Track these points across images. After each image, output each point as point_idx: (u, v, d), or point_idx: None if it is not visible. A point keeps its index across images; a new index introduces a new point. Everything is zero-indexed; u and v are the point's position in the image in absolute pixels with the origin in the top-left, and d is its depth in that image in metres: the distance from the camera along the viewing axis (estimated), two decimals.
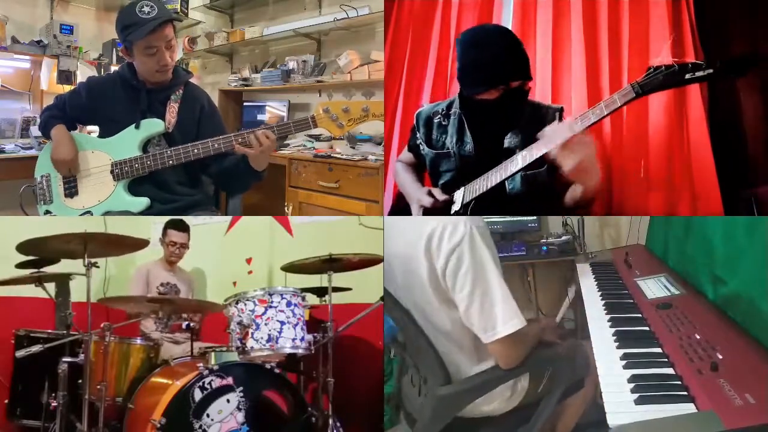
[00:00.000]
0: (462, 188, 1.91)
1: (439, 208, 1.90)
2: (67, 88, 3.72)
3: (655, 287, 1.95)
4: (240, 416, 2.00)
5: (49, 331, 2.38)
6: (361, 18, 3.45)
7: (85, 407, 1.99)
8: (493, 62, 1.77)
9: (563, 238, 3.07)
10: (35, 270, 2.33)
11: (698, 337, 1.45)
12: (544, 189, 1.86)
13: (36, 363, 2.19)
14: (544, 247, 3.07)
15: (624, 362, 1.40)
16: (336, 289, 2.33)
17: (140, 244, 2.22)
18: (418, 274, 1.56)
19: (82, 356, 2.06)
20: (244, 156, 2.05)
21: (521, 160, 1.75)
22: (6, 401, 2.33)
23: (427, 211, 1.92)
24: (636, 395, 1.22)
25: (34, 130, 3.66)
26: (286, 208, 3.33)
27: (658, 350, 1.45)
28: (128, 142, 2.14)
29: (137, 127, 2.14)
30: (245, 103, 4.48)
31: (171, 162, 2.09)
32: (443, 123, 1.99)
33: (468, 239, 1.49)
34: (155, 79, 2.15)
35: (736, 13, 2.08)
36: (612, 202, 2.12)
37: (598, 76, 2.23)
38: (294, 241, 3.01)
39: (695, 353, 1.36)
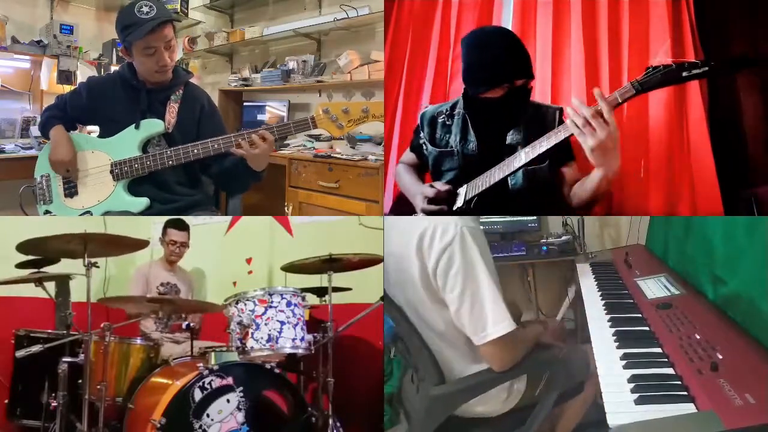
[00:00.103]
0: (465, 185, 1.93)
1: (443, 199, 1.91)
2: (67, 88, 3.73)
3: (655, 287, 1.95)
4: (240, 416, 2.00)
5: (49, 331, 2.38)
6: (361, 18, 3.45)
7: (85, 407, 1.99)
8: (497, 61, 1.82)
9: (563, 238, 3.07)
10: (35, 270, 2.33)
11: (698, 337, 1.45)
12: (545, 184, 1.88)
13: (36, 363, 2.19)
14: (544, 247, 3.07)
15: (624, 362, 1.40)
16: (336, 289, 2.33)
17: (140, 244, 2.22)
18: (410, 273, 1.57)
19: (82, 356, 2.06)
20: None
21: (524, 155, 1.78)
22: (6, 401, 2.33)
23: (431, 202, 1.93)
24: (636, 395, 1.22)
25: (34, 130, 3.66)
26: (286, 208, 3.33)
27: (658, 350, 1.45)
28: (128, 142, 2.14)
29: (137, 127, 2.14)
30: (245, 103, 4.48)
31: (171, 162, 2.09)
32: (447, 123, 2.02)
33: (459, 240, 1.49)
34: (155, 80, 2.15)
35: (736, 13, 2.08)
36: (612, 202, 2.12)
37: (598, 76, 2.23)
38: (294, 241, 3.01)
39: (695, 353, 1.36)
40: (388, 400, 2.49)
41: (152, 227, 2.89)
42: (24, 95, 4.02)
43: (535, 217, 3.22)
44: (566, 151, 1.86)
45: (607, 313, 1.79)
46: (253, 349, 2.07)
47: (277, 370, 2.10)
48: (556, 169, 1.89)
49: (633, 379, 1.30)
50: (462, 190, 1.93)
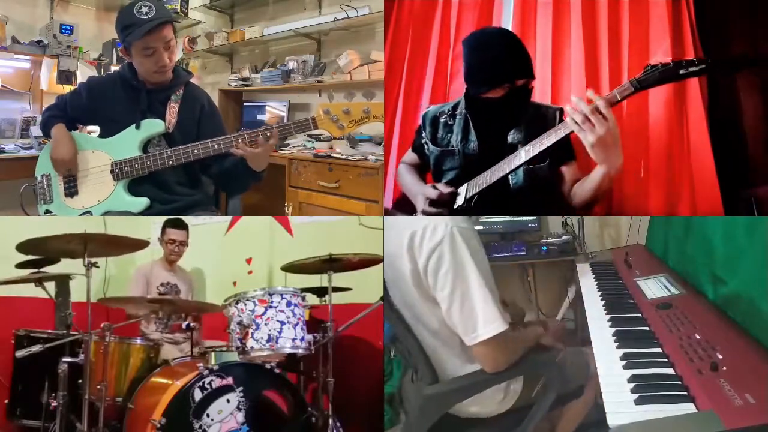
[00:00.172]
0: (465, 183, 1.94)
1: (445, 201, 1.92)
2: (67, 88, 3.73)
3: (655, 287, 1.95)
4: (240, 416, 2.01)
5: (49, 331, 2.38)
6: (361, 18, 3.45)
7: (85, 407, 2.00)
8: (498, 62, 1.84)
9: (563, 238, 3.07)
10: (35, 270, 2.33)
11: (698, 337, 1.45)
12: (545, 183, 1.89)
13: (36, 363, 2.19)
14: (544, 247, 3.07)
15: (624, 362, 1.40)
16: (336, 289, 2.33)
17: (140, 244, 2.22)
18: (401, 271, 1.58)
19: (82, 356, 2.06)
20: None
21: (524, 154, 1.79)
22: (6, 401, 2.33)
23: (433, 203, 1.94)
24: (636, 395, 1.22)
25: (34, 130, 3.66)
26: (286, 208, 3.33)
27: (658, 350, 1.45)
28: (128, 142, 2.14)
29: (137, 127, 2.14)
30: (245, 103, 4.48)
31: (171, 162, 2.09)
32: (449, 122, 2.03)
33: (449, 240, 1.49)
34: (154, 80, 2.15)
35: (736, 13, 2.08)
36: (612, 202, 2.12)
37: (598, 76, 2.23)
38: (294, 241, 3.01)
39: (695, 353, 1.36)
40: (388, 400, 2.49)
41: (152, 227, 2.89)
42: (24, 95, 4.02)
43: (535, 217, 3.22)
44: (566, 150, 1.87)
45: (607, 313, 1.79)
46: (253, 349, 2.07)
47: (277, 370, 2.10)
48: (556, 168, 1.90)
49: (633, 379, 1.30)
50: (463, 189, 1.94)
